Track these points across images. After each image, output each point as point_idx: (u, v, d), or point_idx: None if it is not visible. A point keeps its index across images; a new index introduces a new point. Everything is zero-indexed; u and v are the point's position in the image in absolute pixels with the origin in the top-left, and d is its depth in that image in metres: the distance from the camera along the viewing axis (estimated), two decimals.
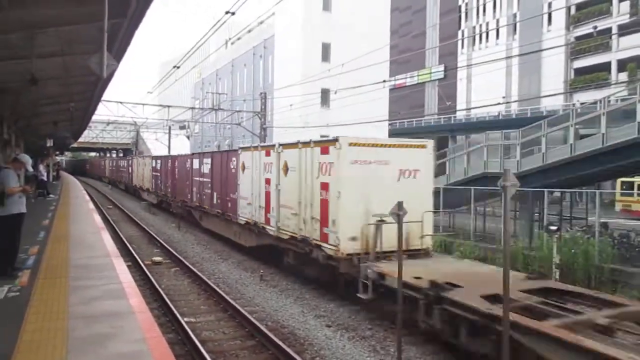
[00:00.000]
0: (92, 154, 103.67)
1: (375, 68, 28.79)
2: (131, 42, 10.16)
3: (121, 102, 29.40)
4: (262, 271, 15.01)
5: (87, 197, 27.10)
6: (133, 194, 42.13)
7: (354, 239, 11.17)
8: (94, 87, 16.99)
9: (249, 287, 13.22)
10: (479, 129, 48.84)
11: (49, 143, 35.77)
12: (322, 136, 36.81)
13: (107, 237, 12.45)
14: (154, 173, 32.95)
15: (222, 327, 9.90)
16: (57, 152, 62.90)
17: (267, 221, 14.83)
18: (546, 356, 6.41)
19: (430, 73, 71.30)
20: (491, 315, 7.11)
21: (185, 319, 9.90)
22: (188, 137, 69.21)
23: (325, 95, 36.71)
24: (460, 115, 62.49)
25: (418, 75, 72.35)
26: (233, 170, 18.12)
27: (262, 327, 9.32)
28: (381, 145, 12.01)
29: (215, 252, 18.37)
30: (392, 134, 50.18)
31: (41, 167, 25.39)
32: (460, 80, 65.77)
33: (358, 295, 10.41)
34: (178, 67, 16.34)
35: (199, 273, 13.93)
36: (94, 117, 33.28)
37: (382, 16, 40.53)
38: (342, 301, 12.00)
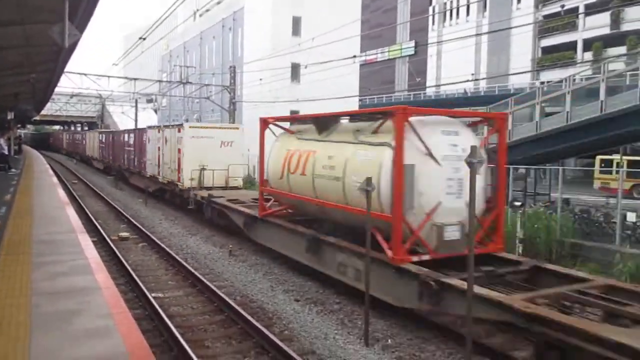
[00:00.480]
0: (56, 127, 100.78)
1: (346, 43, 28.60)
2: (94, 11, 9.85)
3: (85, 74, 28.52)
4: (230, 246, 15.01)
5: (51, 172, 26.44)
6: (86, 163, 49.71)
7: (191, 179, 19.72)
8: (57, 58, 16.43)
9: (217, 262, 13.22)
10: (448, 105, 49.28)
11: (10, 116, 34.57)
12: (291, 111, 36.81)
13: (71, 212, 12.20)
14: (100, 145, 41.53)
15: (191, 302, 9.90)
16: (19, 125, 60.98)
17: (158, 173, 23.41)
18: None
19: (401, 49, 71.28)
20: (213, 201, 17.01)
21: (153, 294, 9.86)
22: (155, 111, 67.89)
23: (295, 70, 36.38)
24: (430, 91, 62.90)
25: (389, 51, 72.26)
26: (144, 142, 26.28)
27: (231, 302, 9.36)
28: (209, 127, 22.04)
29: (183, 227, 18.26)
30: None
31: (1, 141, 24.58)
32: (430, 56, 65.99)
33: (189, 207, 19.59)
34: (144, 39, 15.92)
35: (166, 248, 13.86)
36: (57, 90, 32.25)
37: None
38: (311, 276, 12.11)
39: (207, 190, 18.81)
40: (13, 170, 24.21)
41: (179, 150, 20.34)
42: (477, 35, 49.78)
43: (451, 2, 66.08)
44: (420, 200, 8.62)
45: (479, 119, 11.61)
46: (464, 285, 6.79)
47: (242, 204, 15.70)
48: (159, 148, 23.15)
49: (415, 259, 8.57)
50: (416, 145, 8.66)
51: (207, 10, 50.20)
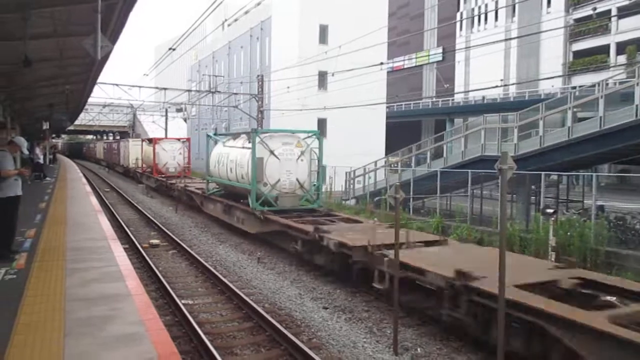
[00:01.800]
0: (89, 136, 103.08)
1: (373, 50, 28.59)
2: (126, 23, 10.07)
3: (117, 85, 29.19)
4: (259, 253, 15.11)
5: (84, 180, 27.05)
6: (96, 163, 67.60)
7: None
8: (90, 69, 16.87)
9: (246, 269, 13.28)
10: (477, 111, 48.74)
11: (45, 126, 35.56)
12: (319, 119, 36.82)
13: (104, 220, 12.44)
14: (104, 150, 63.63)
15: (220, 309, 9.96)
16: (54, 135, 62.59)
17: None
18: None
19: (429, 55, 70.92)
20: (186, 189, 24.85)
21: (183, 301, 9.95)
22: (185, 120, 68.88)
23: (322, 77, 36.51)
24: (458, 98, 62.33)
25: (416, 58, 71.93)
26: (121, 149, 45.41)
27: (260, 309, 9.38)
28: (170, 140, 35.67)
29: (212, 235, 18.42)
30: (390, 116, 50.04)
31: (37, 150, 25.29)
32: (458, 62, 65.43)
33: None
34: (174, 49, 16.20)
35: (196, 255, 13.97)
36: (90, 100, 33.09)
37: None
38: (339, 284, 12.08)
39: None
40: (48, 178, 24.85)
41: (154, 154, 34.48)
42: (506, 40, 49.17)
43: (479, 7, 65.48)
44: (267, 178, 16.09)
45: (310, 134, 17.58)
46: (279, 218, 14.70)
47: (200, 189, 23.16)
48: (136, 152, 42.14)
49: (265, 208, 15.86)
50: (266, 148, 16.07)
51: (236, 20, 50.84)
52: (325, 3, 37.67)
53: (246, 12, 47.78)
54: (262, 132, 17.37)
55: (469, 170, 21.19)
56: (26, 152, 8.47)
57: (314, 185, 17.40)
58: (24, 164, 12.61)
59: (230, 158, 18.26)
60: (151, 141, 35.82)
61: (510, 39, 51.57)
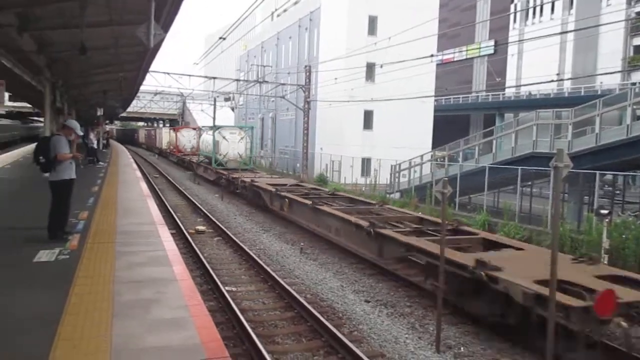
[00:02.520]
0: (141, 123, 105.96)
1: (423, 42, 28.10)
2: (178, 11, 10.19)
3: (168, 73, 29.81)
4: (302, 244, 15.15)
5: (135, 166, 27.79)
6: (140, 147, 76.03)
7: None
8: (142, 57, 17.25)
9: (289, 259, 13.33)
10: (529, 107, 47.27)
11: (100, 112, 36.80)
12: (365, 111, 36.56)
13: (152, 205, 12.73)
14: (145, 135, 76.65)
15: (262, 297, 10.03)
16: (107, 121, 64.62)
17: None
18: None
19: (480, 48, 69.23)
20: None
21: (227, 288, 10.07)
22: (232, 109, 69.83)
23: (370, 69, 36.19)
24: (510, 92, 60.63)
25: (467, 50, 70.33)
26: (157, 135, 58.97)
27: (301, 299, 9.39)
28: (186, 128, 50.14)
29: (257, 223, 18.60)
30: (438, 110, 49.27)
31: (91, 135, 26.11)
32: (511, 56, 63.59)
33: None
34: (224, 39, 16.38)
35: (240, 243, 14.12)
36: (142, 88, 33.96)
37: None
38: (382, 277, 11.99)
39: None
40: (101, 163, 25.67)
41: (178, 139, 47.88)
42: (562, 33, 47.43)
43: None
44: (221, 151, 30.05)
45: (245, 128, 33.16)
46: (222, 170, 28.25)
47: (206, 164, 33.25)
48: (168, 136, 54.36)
49: (220, 169, 28.77)
50: (220, 136, 30.60)
51: (285, 11, 51.01)
52: None
53: (295, 3, 47.86)
54: (220, 127, 31.97)
55: (519, 167, 20.63)
56: (80, 133, 8.70)
57: (249, 156, 32.21)
58: (78, 148, 13.05)
59: (207, 141, 33.19)
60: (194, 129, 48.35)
61: (567, 32, 49.73)
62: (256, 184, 21.28)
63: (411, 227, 12.70)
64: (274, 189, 18.74)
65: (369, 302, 10.12)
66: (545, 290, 6.39)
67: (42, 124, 29.66)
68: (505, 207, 21.08)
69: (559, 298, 6.26)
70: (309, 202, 15.59)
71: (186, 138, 46.25)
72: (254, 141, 35.48)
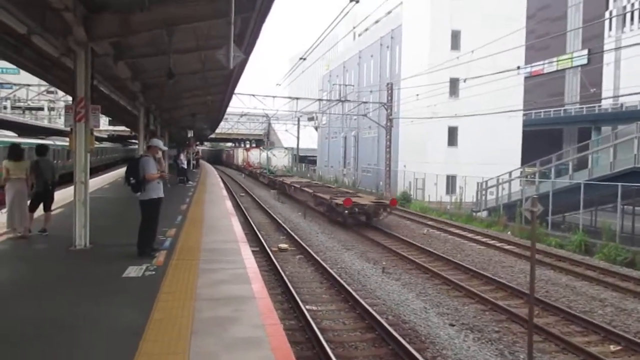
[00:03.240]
0: (229, 144, 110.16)
1: (509, 55, 27.11)
2: (259, 34, 10.46)
3: (253, 95, 30.81)
4: (384, 263, 14.90)
5: (222, 185, 28.76)
6: (227, 166, 78.99)
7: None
8: (228, 81, 17.91)
9: (370, 278, 13.12)
10: (629, 119, 44.09)
11: (190, 134, 38.62)
12: (449, 127, 35.72)
13: (236, 223, 13.01)
14: (225, 154, 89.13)
15: (343, 317, 9.89)
16: (197, 143, 67.76)
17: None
18: None
19: (572, 58, 65.77)
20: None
21: (307, 307, 10.03)
22: (316, 128, 70.87)
23: (454, 84, 35.36)
24: (606, 104, 56.94)
25: (557, 61, 67.07)
26: (235, 154, 74.15)
27: (383, 321, 9.15)
28: (254, 148, 64.80)
29: (339, 241, 18.54)
30: (527, 124, 47.21)
31: (182, 156, 27.37)
32: (607, 65, 59.86)
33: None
34: (304, 59, 16.66)
35: (322, 262, 14.10)
36: (228, 110, 35.30)
37: (517, 0, 38.04)
38: (468, 299, 11.48)
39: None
40: (190, 182, 26.81)
41: (249, 156, 60.21)
42: None
43: (632, 4, 59.49)
44: (272, 163, 51.24)
45: (287, 148, 60.95)
46: (275, 177, 41.31)
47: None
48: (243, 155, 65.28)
49: (270, 175, 43.41)
50: (272, 154, 53.95)
51: (366, 30, 51.30)
52: (458, 8, 36.55)
53: (376, 22, 48.02)
54: (271, 147, 57.56)
55: (619, 184, 19.17)
56: (164, 147, 9.07)
57: (290, 166, 53.45)
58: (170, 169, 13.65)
59: (264, 157, 50.59)
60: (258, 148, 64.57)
61: None
62: (285, 182, 34.89)
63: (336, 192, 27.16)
64: (290, 182, 33.57)
65: (453, 325, 9.70)
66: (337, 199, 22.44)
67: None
68: (604, 226, 19.63)
69: (337, 200, 21.79)
70: (299, 186, 30.25)
71: (254, 156, 59.28)
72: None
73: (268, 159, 50.62)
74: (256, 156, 57.81)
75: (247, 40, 10.94)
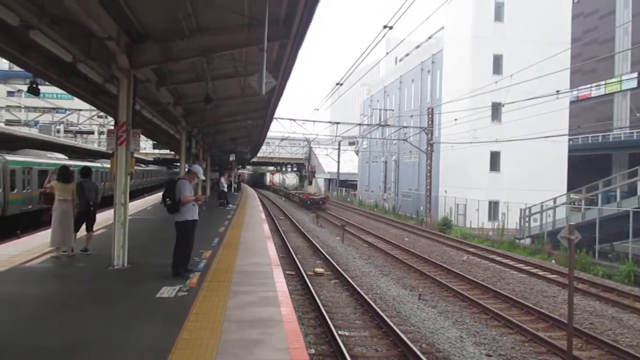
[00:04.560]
0: (271, 168, 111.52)
1: (554, 79, 26.59)
2: (295, 61, 10.66)
3: (293, 119, 31.19)
4: (421, 290, 14.65)
5: (261, 208, 29.06)
6: (266, 189, 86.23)
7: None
8: (267, 105, 18.24)
9: (406, 305, 12.91)
10: None
11: (232, 157, 39.34)
12: (492, 152, 35.12)
13: (271, 247, 13.09)
14: (258, 177, 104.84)
15: (375, 344, 9.74)
16: (239, 167, 68.90)
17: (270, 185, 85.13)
18: None
19: (621, 81, 63.85)
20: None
21: (340, 332, 9.94)
22: (356, 153, 70.94)
23: (496, 109, 34.86)
24: None
25: (605, 85, 65.23)
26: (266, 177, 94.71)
27: (416, 349, 8.97)
28: (277, 172, 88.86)
29: (375, 266, 18.37)
30: (573, 150, 45.91)
31: (222, 180, 27.84)
32: None
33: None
34: (341, 84, 16.83)
35: (357, 287, 13.96)
36: (269, 134, 35.82)
37: (561, 23, 37.40)
38: (507, 329, 11.13)
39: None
40: (230, 205, 27.19)
41: (274, 178, 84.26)
42: None
43: None
44: (286, 183, 75.82)
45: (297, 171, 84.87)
46: (289, 191, 65.27)
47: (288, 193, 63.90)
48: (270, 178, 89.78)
49: (284, 190, 68.34)
50: (286, 175, 79.72)
51: (407, 55, 51.43)
52: (500, 32, 36.28)
53: (417, 47, 48.11)
54: (286, 172, 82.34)
55: None
56: (202, 177, 9.27)
57: (298, 184, 76.55)
58: (204, 191, 13.92)
59: (282, 178, 78.65)
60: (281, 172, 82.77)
61: None
62: (290, 192, 59.99)
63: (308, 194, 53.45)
64: (292, 192, 58.90)
65: (490, 356, 9.42)
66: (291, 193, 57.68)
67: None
68: None
69: (302, 197, 49.80)
70: (295, 193, 55.31)
71: (276, 178, 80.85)
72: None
73: (283, 180, 76.69)
74: (278, 178, 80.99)
75: (284, 66, 11.16)
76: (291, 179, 76.94)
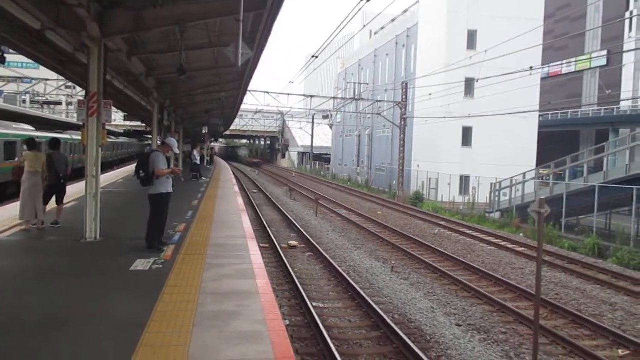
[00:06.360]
0: (244, 141, 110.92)
1: (526, 55, 26.80)
2: (271, 32, 10.50)
3: (267, 92, 30.89)
4: (393, 262, 14.87)
5: (235, 181, 28.90)
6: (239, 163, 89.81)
7: None
8: (241, 77, 17.99)
9: (379, 277, 13.11)
10: None
11: (205, 130, 38.87)
12: (464, 127, 35.49)
13: (246, 219, 13.08)
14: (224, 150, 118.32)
15: (349, 315, 9.91)
16: (212, 139, 68.15)
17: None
18: None
19: (590, 59, 64.85)
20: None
21: (314, 304, 10.06)
22: (330, 126, 70.86)
23: (469, 84, 35.12)
24: (625, 105, 56.08)
25: (576, 62, 66.19)
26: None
27: (388, 319, 9.15)
28: (237, 148, 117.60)
29: (349, 239, 18.55)
30: (543, 126, 46.71)
31: (195, 152, 27.54)
32: (625, 66, 58.90)
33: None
34: (316, 57, 16.69)
35: (331, 260, 14.09)
36: (243, 107, 35.42)
37: (535, 0, 37.64)
38: (477, 300, 11.44)
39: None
40: (203, 178, 26.98)
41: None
42: None
43: None
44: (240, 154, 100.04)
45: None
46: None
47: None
48: None
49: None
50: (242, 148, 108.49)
51: (382, 29, 51.17)
52: (475, 8, 36.32)
53: (393, 20, 47.88)
54: (239, 147, 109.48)
55: (635, 187, 18.93)
56: (177, 151, 9.16)
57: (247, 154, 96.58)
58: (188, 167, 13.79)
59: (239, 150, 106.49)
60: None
61: None
62: (248, 159, 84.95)
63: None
64: (248, 160, 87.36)
65: (460, 325, 9.67)
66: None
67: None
68: (619, 230, 19.42)
69: (249, 160, 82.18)
70: (251, 160, 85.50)
71: (240, 150, 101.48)
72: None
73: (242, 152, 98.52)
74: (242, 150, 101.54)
75: (259, 37, 10.99)
76: (246, 151, 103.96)
